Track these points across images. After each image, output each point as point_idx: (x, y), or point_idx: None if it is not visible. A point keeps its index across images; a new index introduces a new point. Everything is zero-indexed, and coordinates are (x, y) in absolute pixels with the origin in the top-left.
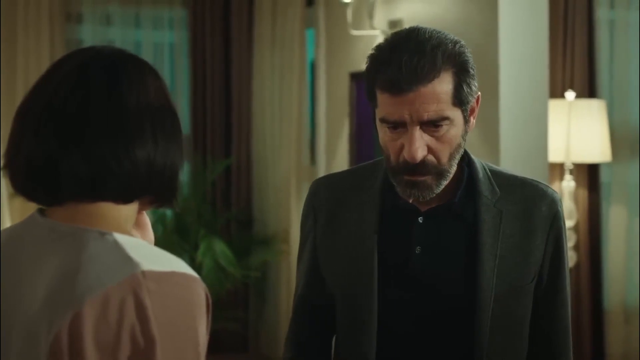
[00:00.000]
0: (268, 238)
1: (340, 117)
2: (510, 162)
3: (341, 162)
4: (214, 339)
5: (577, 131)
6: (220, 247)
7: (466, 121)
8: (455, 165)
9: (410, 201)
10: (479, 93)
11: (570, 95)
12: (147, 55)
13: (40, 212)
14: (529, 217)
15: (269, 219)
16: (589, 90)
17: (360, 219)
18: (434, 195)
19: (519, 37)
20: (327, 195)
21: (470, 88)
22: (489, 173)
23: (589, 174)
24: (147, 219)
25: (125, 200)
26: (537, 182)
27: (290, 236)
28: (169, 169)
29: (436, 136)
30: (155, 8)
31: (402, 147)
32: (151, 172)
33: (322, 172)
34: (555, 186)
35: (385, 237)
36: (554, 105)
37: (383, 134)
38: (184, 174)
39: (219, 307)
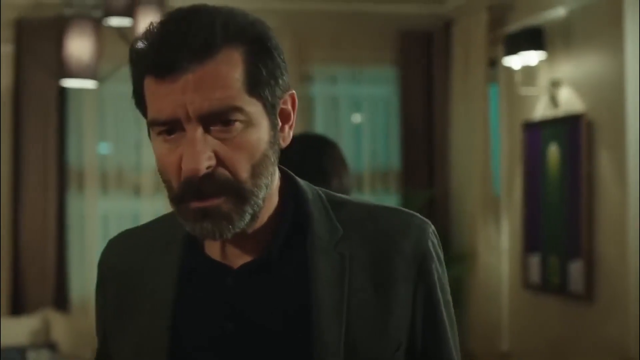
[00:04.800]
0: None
1: (515, 159)
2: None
3: (516, 197)
4: None
5: None
6: None
7: (274, 125)
8: (265, 187)
9: (218, 252)
10: (294, 91)
11: None
12: (366, 107)
13: None
14: (385, 262)
15: (461, 240)
16: None
17: (153, 290)
18: (238, 229)
19: None
20: (117, 261)
21: (274, 74)
22: (328, 204)
23: None
24: None
25: None
26: (399, 209)
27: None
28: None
29: (227, 139)
30: (371, 67)
31: (181, 161)
32: None
33: (504, 202)
34: None
35: (184, 313)
36: None
37: (157, 148)
38: (394, 202)
39: None
